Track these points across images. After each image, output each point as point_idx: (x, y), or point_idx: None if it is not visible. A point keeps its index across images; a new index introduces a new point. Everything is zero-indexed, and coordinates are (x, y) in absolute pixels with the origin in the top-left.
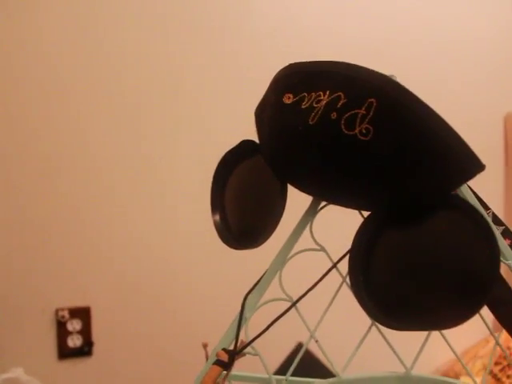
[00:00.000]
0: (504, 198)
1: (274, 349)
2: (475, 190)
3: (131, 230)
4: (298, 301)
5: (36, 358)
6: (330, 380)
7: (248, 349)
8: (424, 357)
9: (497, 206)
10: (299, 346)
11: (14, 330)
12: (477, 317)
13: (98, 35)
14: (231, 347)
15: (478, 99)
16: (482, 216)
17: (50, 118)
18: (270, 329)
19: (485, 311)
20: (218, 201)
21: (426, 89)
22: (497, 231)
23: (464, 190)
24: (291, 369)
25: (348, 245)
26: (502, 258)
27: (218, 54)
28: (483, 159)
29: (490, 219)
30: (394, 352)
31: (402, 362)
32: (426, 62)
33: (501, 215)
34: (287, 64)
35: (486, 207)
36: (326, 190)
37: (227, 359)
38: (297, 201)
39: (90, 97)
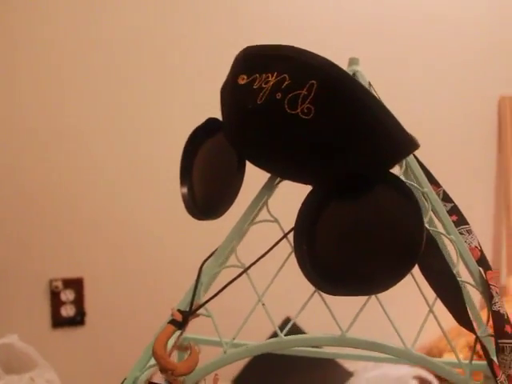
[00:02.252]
0: (496, 181)
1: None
2: (466, 171)
3: (124, 203)
4: (249, 267)
5: (30, 326)
6: (271, 340)
7: (202, 310)
8: (415, 326)
9: (488, 189)
10: (287, 319)
11: (10, 299)
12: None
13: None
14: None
15: (471, 83)
16: (410, 190)
17: (47, 102)
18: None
19: None
20: (185, 175)
21: (418, 73)
22: (441, 205)
23: (413, 166)
24: (240, 328)
25: None
26: (444, 233)
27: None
28: (477, 142)
29: (437, 196)
30: (332, 316)
31: (338, 324)
32: (418, 47)
33: (492, 197)
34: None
35: (437, 184)
36: (274, 166)
37: (181, 319)
38: (262, 176)
39: (85, 86)
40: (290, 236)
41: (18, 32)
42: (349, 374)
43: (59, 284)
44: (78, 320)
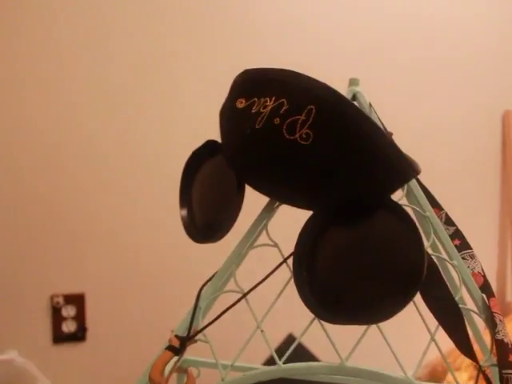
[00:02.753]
0: (500, 195)
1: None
2: (470, 186)
3: (126, 219)
4: (247, 293)
5: (31, 341)
6: (270, 368)
7: (200, 336)
8: (416, 352)
9: (493, 203)
10: (290, 336)
11: (11, 314)
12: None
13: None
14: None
15: (476, 97)
16: (409, 217)
17: (54, 105)
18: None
19: None
20: (185, 197)
21: (423, 87)
22: (443, 228)
23: (415, 189)
24: (239, 354)
25: None
26: (447, 258)
27: (213, 52)
28: (481, 156)
29: (439, 220)
30: (332, 343)
31: (338, 352)
32: (423, 60)
33: (497, 211)
34: (243, 70)
35: (439, 207)
36: (273, 190)
37: (179, 344)
38: (260, 200)
39: (91, 88)
40: (290, 261)
41: (24, 31)
42: None
43: (60, 300)
44: (79, 336)
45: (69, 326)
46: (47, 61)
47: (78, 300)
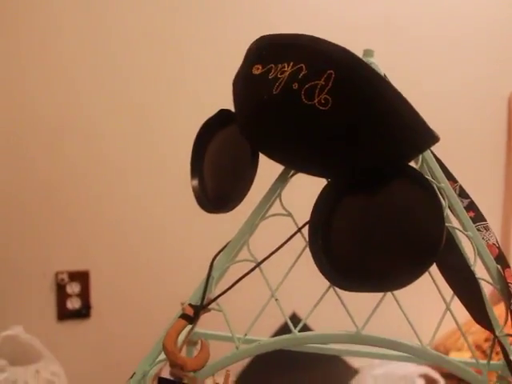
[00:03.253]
0: (505, 178)
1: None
2: (475, 167)
3: (130, 195)
4: (261, 262)
5: (36, 318)
6: (286, 336)
7: (213, 305)
8: (428, 327)
9: (497, 185)
10: (294, 314)
11: (16, 291)
12: None
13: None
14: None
15: (482, 79)
16: (430, 185)
17: (57, 92)
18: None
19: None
20: (196, 167)
21: (429, 70)
22: (458, 200)
23: (429, 160)
24: (253, 322)
25: None
26: (461, 229)
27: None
28: (486, 138)
29: (454, 192)
30: (348, 312)
31: (353, 321)
32: (429, 43)
33: (501, 193)
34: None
35: (454, 180)
36: (290, 158)
37: (192, 313)
38: (274, 169)
39: (94, 75)
40: (304, 230)
41: (28, 18)
42: (354, 371)
43: (65, 277)
44: (83, 313)
45: (73, 303)
46: (51, 50)
47: (82, 277)
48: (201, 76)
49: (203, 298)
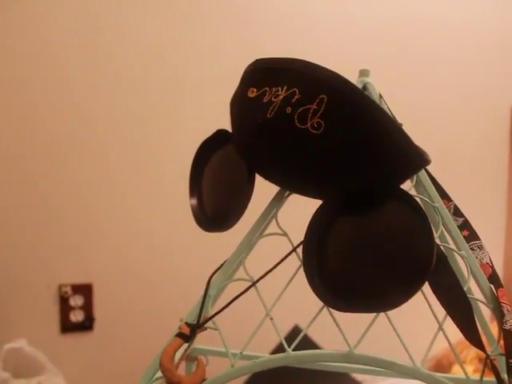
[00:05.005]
0: (508, 187)
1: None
2: (478, 177)
3: (132, 210)
4: (257, 281)
5: (39, 330)
6: (279, 355)
7: (210, 324)
8: (423, 342)
9: (500, 195)
10: (296, 328)
11: (19, 304)
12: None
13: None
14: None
15: (484, 89)
16: (420, 207)
17: (57, 104)
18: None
19: None
20: (195, 186)
21: (431, 79)
22: (453, 221)
23: (424, 180)
24: (248, 340)
25: None
26: (455, 248)
27: (216, 44)
28: (489, 148)
29: (448, 211)
30: (341, 331)
31: (346, 340)
32: (429, 55)
33: (504, 203)
34: (254, 59)
35: (448, 198)
36: (284, 180)
37: (189, 331)
38: (269, 189)
39: (95, 84)
40: (299, 249)
41: (28, 17)
42: None
43: (68, 289)
44: (86, 325)
45: (76, 316)
46: (48, 51)
47: (85, 290)
48: (203, 86)
49: (200, 317)
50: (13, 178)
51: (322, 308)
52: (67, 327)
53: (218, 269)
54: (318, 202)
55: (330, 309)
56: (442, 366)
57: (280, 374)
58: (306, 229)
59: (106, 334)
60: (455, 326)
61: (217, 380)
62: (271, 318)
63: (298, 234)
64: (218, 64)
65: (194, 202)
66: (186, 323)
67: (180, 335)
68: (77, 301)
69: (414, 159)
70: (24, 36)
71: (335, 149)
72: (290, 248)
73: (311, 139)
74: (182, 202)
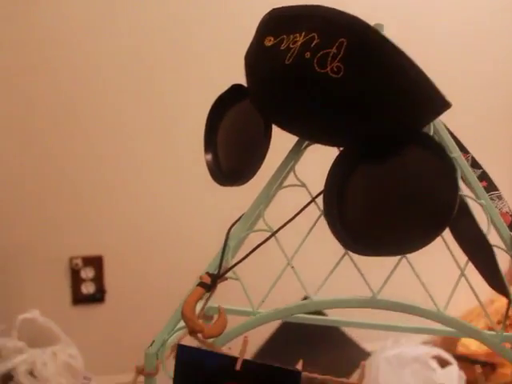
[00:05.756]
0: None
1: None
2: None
3: (143, 181)
4: (277, 231)
5: (51, 303)
6: (303, 301)
7: (230, 274)
8: (440, 299)
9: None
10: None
11: (31, 275)
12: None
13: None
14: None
15: (490, 88)
16: (444, 151)
17: (72, 70)
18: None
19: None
20: (210, 142)
21: (437, 76)
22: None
23: (441, 131)
24: (269, 290)
25: None
26: (474, 198)
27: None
28: (494, 147)
29: (467, 162)
30: (363, 277)
31: (369, 286)
32: (438, 51)
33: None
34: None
35: (466, 151)
36: (303, 128)
37: (210, 281)
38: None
39: (106, 46)
40: (318, 200)
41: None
42: (366, 354)
43: (79, 262)
44: (97, 297)
45: (88, 288)
46: (67, 18)
47: (96, 262)
48: (215, 41)
49: (220, 267)
50: (23, 150)
51: (344, 255)
52: (79, 299)
53: (237, 221)
54: (335, 153)
55: (352, 257)
56: (449, 338)
57: (292, 346)
58: (324, 179)
59: (118, 306)
60: (479, 274)
61: (239, 329)
62: (292, 267)
63: (317, 185)
64: (229, 19)
65: (210, 157)
66: (207, 273)
67: (201, 285)
68: (88, 273)
69: (436, 101)
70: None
71: (356, 93)
72: (309, 199)
73: (331, 84)
74: (193, 171)
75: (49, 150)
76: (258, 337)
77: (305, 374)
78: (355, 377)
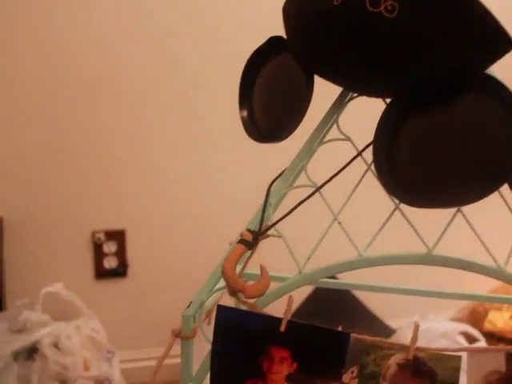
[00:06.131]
0: None
1: None
2: None
3: (168, 156)
4: (321, 186)
5: (74, 276)
6: (352, 258)
7: (272, 231)
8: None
9: None
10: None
11: (54, 249)
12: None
13: None
14: None
15: None
16: (510, 95)
17: (86, 42)
18: None
19: None
20: (246, 98)
21: None
22: None
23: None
24: (316, 246)
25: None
26: None
27: None
28: None
29: None
30: (416, 232)
31: (423, 241)
32: None
33: None
34: None
35: None
36: (349, 77)
37: (251, 239)
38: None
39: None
40: (364, 154)
41: None
42: (391, 331)
43: (102, 236)
44: (120, 272)
45: (110, 262)
46: None
47: (118, 236)
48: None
49: (261, 224)
50: (45, 126)
51: (395, 209)
52: (101, 273)
53: (278, 176)
54: (378, 106)
55: (403, 212)
56: (477, 312)
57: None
58: (368, 132)
59: (140, 281)
60: None
61: (283, 288)
62: (339, 222)
63: (362, 138)
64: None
65: (245, 114)
66: (248, 230)
67: (242, 242)
68: (110, 247)
69: (498, 39)
70: None
71: (412, 33)
72: (352, 154)
73: (384, 23)
74: (217, 146)
75: (74, 124)
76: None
77: (354, 335)
78: None
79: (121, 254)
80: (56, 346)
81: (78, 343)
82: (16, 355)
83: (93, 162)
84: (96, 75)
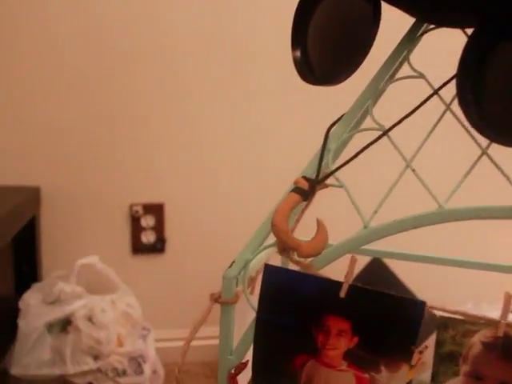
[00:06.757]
0: None
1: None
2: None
3: (206, 128)
4: (390, 129)
5: (111, 250)
6: (430, 211)
7: (332, 180)
8: None
9: None
10: (374, 260)
11: (91, 222)
12: None
13: None
14: None
15: None
16: None
17: (130, 24)
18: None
19: None
20: (299, 36)
21: None
22: None
23: None
24: (383, 199)
25: (450, 72)
26: None
27: None
28: None
29: None
30: (509, 180)
31: None
32: None
33: None
34: None
35: None
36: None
37: (307, 187)
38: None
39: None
40: (441, 92)
41: None
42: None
43: (139, 209)
44: (158, 247)
45: (148, 237)
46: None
47: (157, 210)
48: None
49: (319, 171)
50: (84, 98)
51: (482, 154)
52: (138, 248)
53: (337, 121)
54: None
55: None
56: None
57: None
58: (444, 69)
59: (178, 257)
60: None
61: (346, 245)
62: (413, 170)
63: (436, 75)
64: None
65: (298, 53)
66: (304, 177)
67: (297, 190)
68: (148, 221)
69: None
70: None
71: None
72: (425, 95)
73: None
74: (257, 111)
75: (114, 97)
76: None
77: (430, 305)
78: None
79: (159, 228)
80: (90, 319)
81: (112, 318)
82: (50, 327)
83: (132, 134)
84: (135, 48)
